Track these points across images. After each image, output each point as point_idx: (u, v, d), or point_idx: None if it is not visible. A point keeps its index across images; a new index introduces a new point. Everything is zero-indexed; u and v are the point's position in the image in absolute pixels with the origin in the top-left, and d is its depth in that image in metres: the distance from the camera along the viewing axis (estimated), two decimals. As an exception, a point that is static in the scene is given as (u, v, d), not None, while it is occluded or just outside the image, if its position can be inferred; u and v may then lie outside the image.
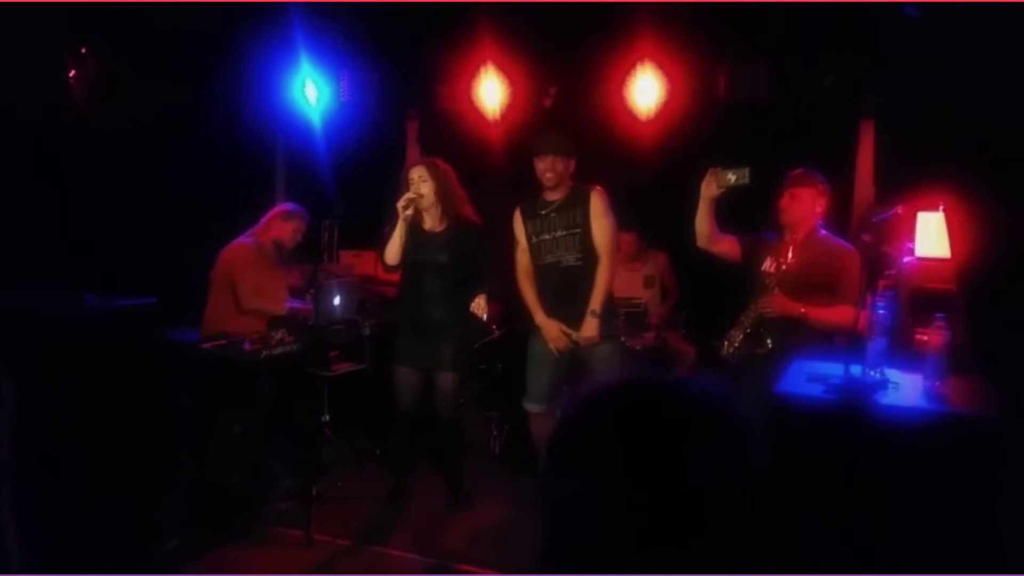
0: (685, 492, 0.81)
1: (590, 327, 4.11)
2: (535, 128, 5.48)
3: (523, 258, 4.31)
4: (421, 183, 4.19)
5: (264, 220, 4.82)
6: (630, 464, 0.82)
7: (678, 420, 0.85)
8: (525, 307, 4.31)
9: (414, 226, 4.25)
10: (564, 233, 4.18)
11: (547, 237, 4.21)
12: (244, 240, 4.75)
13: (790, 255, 3.66)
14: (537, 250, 4.24)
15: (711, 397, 0.88)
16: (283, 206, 4.95)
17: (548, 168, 4.11)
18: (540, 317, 4.24)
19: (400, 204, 4.15)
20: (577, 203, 4.19)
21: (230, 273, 4.61)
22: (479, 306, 4.33)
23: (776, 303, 3.61)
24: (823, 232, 3.72)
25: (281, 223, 4.79)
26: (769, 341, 3.62)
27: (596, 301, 4.13)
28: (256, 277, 4.64)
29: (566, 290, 4.18)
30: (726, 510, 0.82)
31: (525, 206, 4.30)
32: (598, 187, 4.22)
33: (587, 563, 0.82)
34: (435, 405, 4.35)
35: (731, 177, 3.54)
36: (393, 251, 4.22)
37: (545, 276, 4.24)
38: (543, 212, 4.21)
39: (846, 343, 3.14)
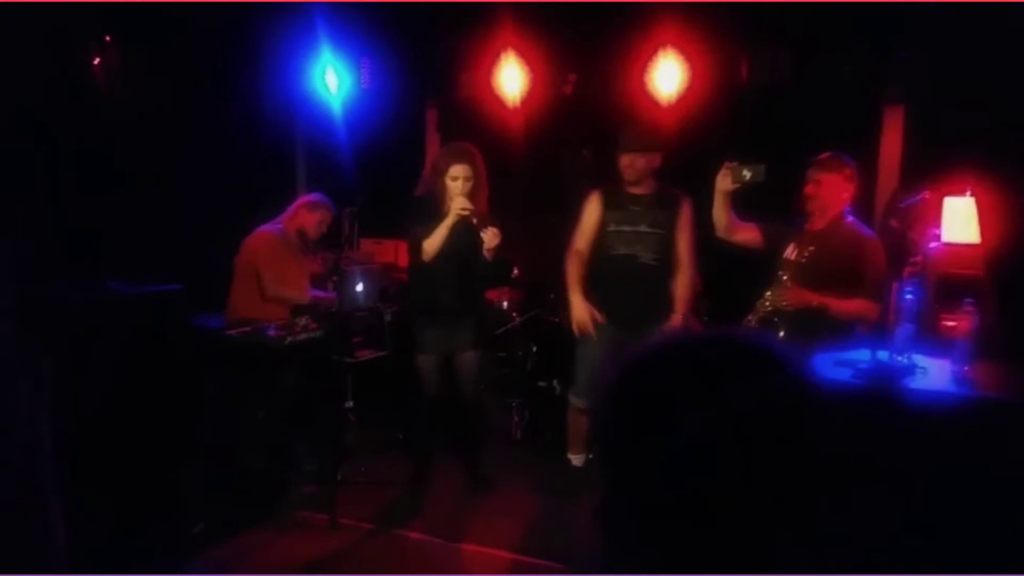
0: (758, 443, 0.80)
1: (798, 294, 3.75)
2: (556, 115, 5.51)
3: (581, 242, 4.26)
4: (466, 183, 4.08)
5: (290, 209, 4.85)
6: (701, 416, 0.81)
7: (740, 366, 0.84)
8: (563, 291, 4.28)
9: (437, 212, 4.20)
10: (648, 230, 4.15)
11: (628, 229, 4.17)
12: (269, 228, 4.77)
13: (811, 243, 3.59)
14: (612, 239, 4.19)
15: (764, 346, 0.87)
16: (309, 196, 4.97)
17: (629, 164, 4.09)
18: (576, 296, 4.20)
19: (458, 209, 4.01)
20: (666, 206, 4.17)
21: (254, 261, 4.64)
22: (492, 234, 4.05)
23: (790, 295, 3.52)
24: (849, 219, 3.62)
25: (307, 213, 4.81)
26: (782, 333, 3.53)
27: (682, 305, 4.15)
28: (280, 265, 4.67)
29: (634, 286, 4.13)
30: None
31: (608, 193, 4.25)
32: (689, 198, 4.20)
33: (655, 521, 0.83)
34: (457, 387, 4.37)
35: (746, 174, 3.52)
36: (435, 246, 4.11)
37: (612, 267, 4.19)
38: (630, 206, 4.18)
39: (867, 335, 3.10)
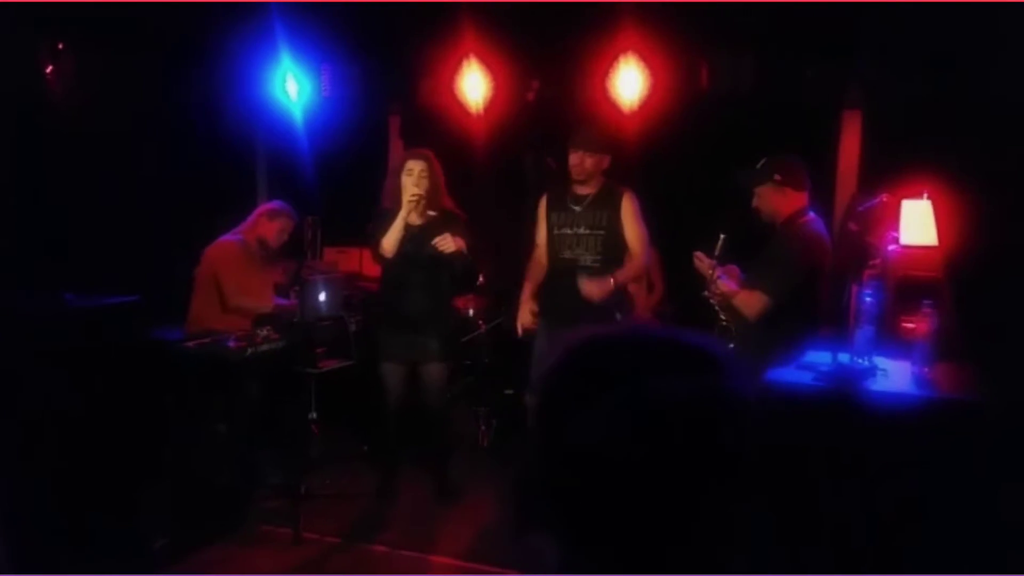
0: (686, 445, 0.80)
1: (596, 285, 3.96)
2: (518, 122, 5.50)
3: (540, 243, 4.27)
4: (422, 178, 4.17)
5: (251, 218, 4.78)
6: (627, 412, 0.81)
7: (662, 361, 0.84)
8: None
9: (394, 218, 4.23)
10: (587, 232, 4.11)
11: (568, 232, 4.16)
12: (229, 238, 4.70)
13: (766, 245, 3.59)
14: (557, 244, 4.18)
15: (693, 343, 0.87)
16: (270, 204, 4.91)
17: (577, 163, 4.07)
18: (526, 294, 4.22)
19: (409, 198, 4.11)
20: (607, 203, 4.12)
21: (214, 271, 4.57)
22: (445, 240, 4.13)
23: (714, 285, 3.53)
24: (804, 219, 3.57)
25: (267, 221, 4.75)
26: (735, 338, 3.49)
27: (621, 274, 4.04)
28: (241, 275, 4.60)
29: (574, 290, 4.05)
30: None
31: (553, 195, 4.25)
32: (629, 190, 4.16)
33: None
34: (422, 398, 4.34)
35: (715, 252, 3.53)
36: (392, 241, 4.17)
37: (558, 272, 4.16)
38: (571, 206, 4.16)
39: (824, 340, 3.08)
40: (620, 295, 4.14)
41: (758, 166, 3.64)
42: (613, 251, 4.10)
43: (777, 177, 3.56)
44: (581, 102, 5.19)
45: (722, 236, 3.53)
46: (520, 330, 4.22)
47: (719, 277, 3.53)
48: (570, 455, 0.82)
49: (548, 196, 4.27)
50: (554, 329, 4.11)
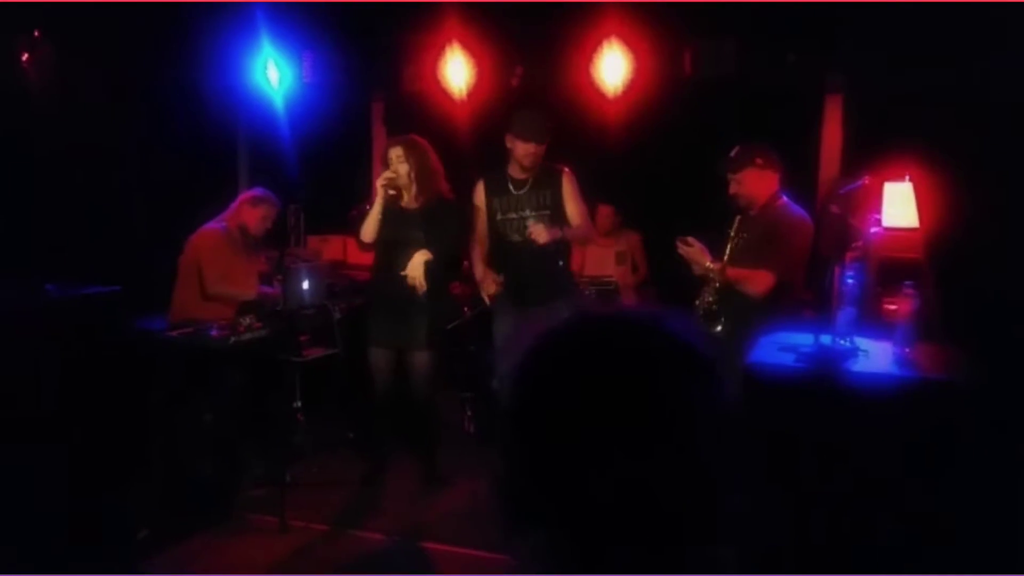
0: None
1: (544, 229, 4.05)
2: (504, 108, 5.47)
3: (480, 228, 4.31)
4: (399, 163, 4.19)
5: (233, 205, 4.75)
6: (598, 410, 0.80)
7: (638, 353, 0.83)
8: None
9: (391, 203, 4.24)
10: (533, 214, 4.18)
11: (514, 216, 4.22)
12: (212, 225, 4.67)
13: (745, 228, 3.63)
14: (503, 227, 4.24)
15: (665, 328, 0.86)
16: (252, 191, 4.88)
17: (532, 152, 4.10)
18: (480, 270, 4.27)
19: (380, 182, 4.17)
20: (547, 184, 4.20)
21: (197, 258, 4.54)
22: (415, 267, 4.17)
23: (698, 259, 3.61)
24: (781, 201, 3.68)
25: (250, 208, 4.72)
26: (723, 320, 3.57)
27: (569, 231, 4.16)
28: (223, 263, 4.57)
29: (534, 268, 4.17)
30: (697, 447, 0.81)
31: (490, 181, 4.29)
32: (567, 168, 4.23)
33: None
34: (410, 385, 4.33)
35: (730, 230, 3.58)
36: (370, 228, 4.21)
37: (509, 254, 4.24)
38: (513, 190, 4.21)
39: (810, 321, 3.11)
40: (561, 263, 4.26)
41: (733, 153, 3.70)
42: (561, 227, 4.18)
43: (759, 160, 3.64)
44: (565, 87, 5.18)
45: (738, 216, 3.62)
46: (488, 300, 4.27)
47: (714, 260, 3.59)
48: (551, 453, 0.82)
49: (485, 182, 4.31)
50: (514, 311, 4.21)
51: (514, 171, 4.21)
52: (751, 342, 3.01)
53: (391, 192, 4.19)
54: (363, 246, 4.31)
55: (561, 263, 4.30)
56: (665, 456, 0.79)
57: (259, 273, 4.82)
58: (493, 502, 0.88)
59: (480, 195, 4.31)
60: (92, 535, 3.46)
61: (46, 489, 3.38)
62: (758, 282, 3.52)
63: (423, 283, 4.17)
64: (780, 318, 3.28)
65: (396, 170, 4.17)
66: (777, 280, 3.51)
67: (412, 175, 4.19)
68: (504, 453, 0.88)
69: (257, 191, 4.86)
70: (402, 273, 4.17)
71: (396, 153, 4.20)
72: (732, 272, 3.55)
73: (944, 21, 3.72)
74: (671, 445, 0.80)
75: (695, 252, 3.62)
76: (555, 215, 4.18)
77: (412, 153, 4.20)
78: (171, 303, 4.60)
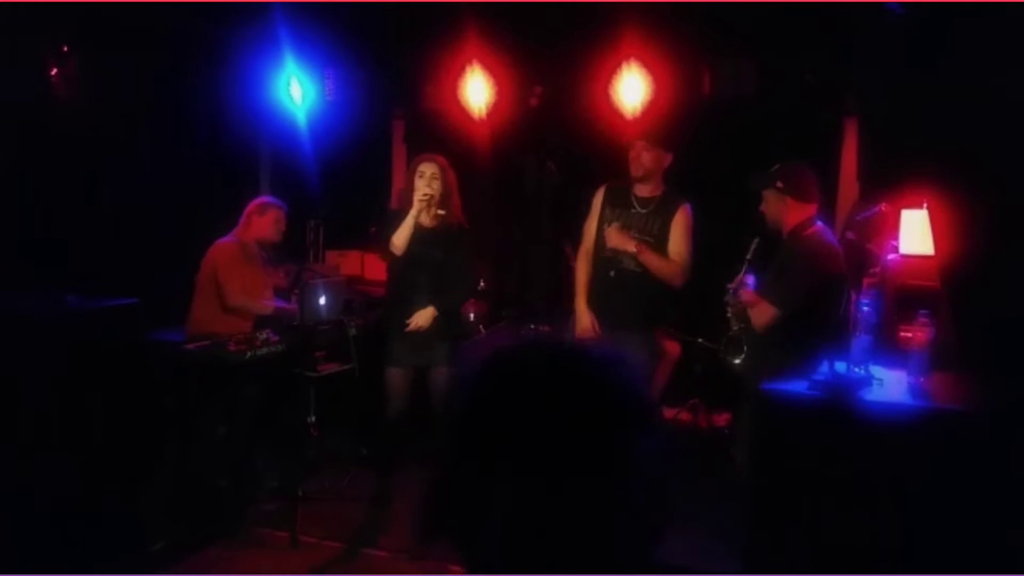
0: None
1: (617, 234, 3.92)
2: (522, 127, 5.51)
3: (587, 238, 4.16)
4: (433, 180, 4.17)
5: (242, 219, 4.74)
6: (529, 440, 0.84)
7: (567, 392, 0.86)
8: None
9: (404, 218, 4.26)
10: (636, 236, 3.97)
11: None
12: (227, 240, 4.70)
13: (776, 255, 3.56)
14: (603, 239, 4.05)
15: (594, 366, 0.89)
16: (257, 200, 4.84)
17: (635, 157, 3.96)
18: (581, 303, 4.10)
19: (419, 196, 4.09)
20: (664, 211, 4.01)
21: (214, 272, 4.57)
22: (424, 318, 4.17)
23: (739, 296, 3.52)
24: (810, 231, 3.49)
25: (259, 218, 4.70)
26: (745, 350, 3.49)
27: (650, 255, 3.91)
28: (240, 275, 4.60)
29: (615, 292, 3.99)
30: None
31: (614, 190, 4.12)
32: (687, 204, 4.02)
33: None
34: (431, 402, 4.33)
35: (748, 255, 3.53)
36: (402, 239, 4.12)
37: (599, 268, 4.08)
38: (632, 205, 4.03)
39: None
40: (656, 293, 4.00)
41: (771, 170, 3.56)
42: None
43: (779, 184, 3.49)
44: (584, 108, 5.20)
45: (756, 239, 3.53)
46: (577, 336, 4.09)
47: (745, 284, 3.50)
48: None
49: (606, 190, 4.14)
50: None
51: (636, 186, 4.04)
52: (770, 379, 2.91)
53: (427, 207, 4.15)
54: (388, 257, 4.24)
55: (652, 295, 4.01)
56: (576, 491, 0.82)
57: (276, 288, 4.85)
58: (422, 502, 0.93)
59: (598, 201, 4.14)
60: (106, 546, 3.49)
61: (61, 499, 3.41)
62: (758, 313, 3.41)
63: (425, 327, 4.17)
64: (805, 354, 3.08)
65: (431, 187, 4.15)
66: (779, 314, 3.36)
67: (441, 194, 4.20)
68: (440, 454, 0.92)
69: (262, 198, 4.85)
70: (407, 323, 4.15)
71: (432, 171, 4.17)
72: (748, 298, 3.46)
73: (964, 45, 3.70)
74: (587, 483, 0.83)
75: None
76: (657, 245, 3.97)
77: (446, 172, 4.21)
78: (189, 318, 4.64)
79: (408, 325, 4.20)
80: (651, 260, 3.83)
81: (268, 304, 4.70)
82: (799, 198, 3.49)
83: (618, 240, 3.92)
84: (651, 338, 4.20)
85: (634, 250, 3.79)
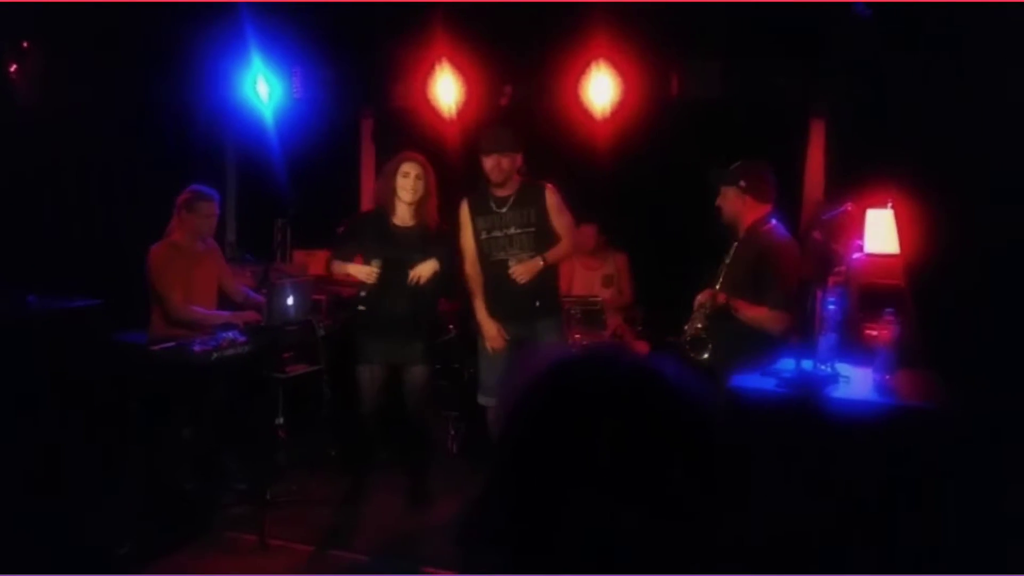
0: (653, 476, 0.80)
1: (523, 267, 4.14)
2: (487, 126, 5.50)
3: (467, 251, 4.32)
4: (418, 181, 4.18)
5: (174, 215, 4.53)
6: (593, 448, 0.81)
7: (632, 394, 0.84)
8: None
9: (383, 220, 4.24)
10: (518, 231, 4.20)
11: (499, 234, 4.23)
12: (158, 245, 4.48)
13: (734, 251, 3.62)
14: (487, 246, 4.25)
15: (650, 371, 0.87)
16: (185, 193, 4.56)
17: (494, 166, 4.13)
18: (481, 314, 4.28)
19: (367, 279, 4.17)
20: (531, 201, 4.21)
21: (153, 282, 4.43)
22: (426, 267, 4.22)
23: (706, 295, 3.55)
24: (767, 226, 3.60)
25: (187, 214, 4.51)
26: (710, 348, 3.50)
27: (550, 254, 4.19)
28: (182, 280, 4.45)
29: (514, 290, 4.18)
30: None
31: (474, 201, 4.30)
32: (550, 184, 4.25)
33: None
34: (405, 400, 4.32)
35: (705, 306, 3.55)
36: (340, 274, 4.34)
37: (493, 273, 4.25)
38: (496, 209, 4.22)
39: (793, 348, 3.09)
40: (549, 281, 4.28)
41: (732, 167, 3.67)
42: (545, 245, 4.23)
43: (742, 183, 3.60)
44: (553, 107, 5.21)
45: (735, 243, 3.60)
46: (491, 349, 4.28)
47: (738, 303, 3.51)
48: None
49: (468, 202, 4.31)
50: (508, 333, 4.26)
51: (494, 189, 4.22)
52: (741, 371, 2.98)
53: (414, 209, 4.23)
54: (328, 269, 4.39)
55: (548, 282, 4.30)
56: (648, 509, 0.80)
57: (244, 287, 4.78)
58: (462, 520, 0.90)
59: (465, 215, 4.31)
60: (72, 549, 3.43)
61: (25, 503, 3.35)
62: (773, 322, 3.44)
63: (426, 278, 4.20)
64: (775, 347, 3.22)
65: (415, 187, 4.17)
66: (788, 314, 3.45)
67: (422, 194, 4.19)
68: (492, 477, 0.89)
69: (190, 190, 4.58)
70: (411, 270, 4.18)
71: (416, 171, 4.19)
72: (747, 312, 3.47)
73: (928, 47, 3.77)
74: (656, 501, 0.81)
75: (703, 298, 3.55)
76: (541, 232, 4.20)
77: (428, 172, 4.22)
78: (149, 325, 4.54)
79: (383, 323, 4.22)
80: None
81: (219, 313, 4.57)
82: (758, 198, 3.62)
83: (526, 272, 4.13)
84: (560, 319, 4.43)
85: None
